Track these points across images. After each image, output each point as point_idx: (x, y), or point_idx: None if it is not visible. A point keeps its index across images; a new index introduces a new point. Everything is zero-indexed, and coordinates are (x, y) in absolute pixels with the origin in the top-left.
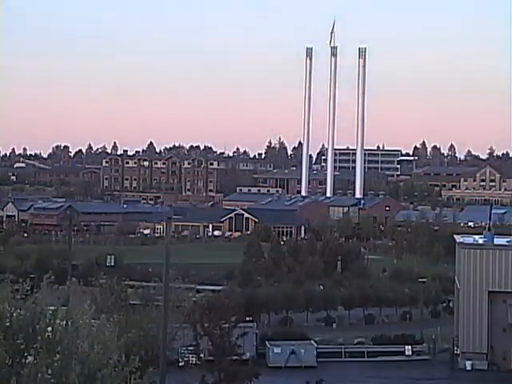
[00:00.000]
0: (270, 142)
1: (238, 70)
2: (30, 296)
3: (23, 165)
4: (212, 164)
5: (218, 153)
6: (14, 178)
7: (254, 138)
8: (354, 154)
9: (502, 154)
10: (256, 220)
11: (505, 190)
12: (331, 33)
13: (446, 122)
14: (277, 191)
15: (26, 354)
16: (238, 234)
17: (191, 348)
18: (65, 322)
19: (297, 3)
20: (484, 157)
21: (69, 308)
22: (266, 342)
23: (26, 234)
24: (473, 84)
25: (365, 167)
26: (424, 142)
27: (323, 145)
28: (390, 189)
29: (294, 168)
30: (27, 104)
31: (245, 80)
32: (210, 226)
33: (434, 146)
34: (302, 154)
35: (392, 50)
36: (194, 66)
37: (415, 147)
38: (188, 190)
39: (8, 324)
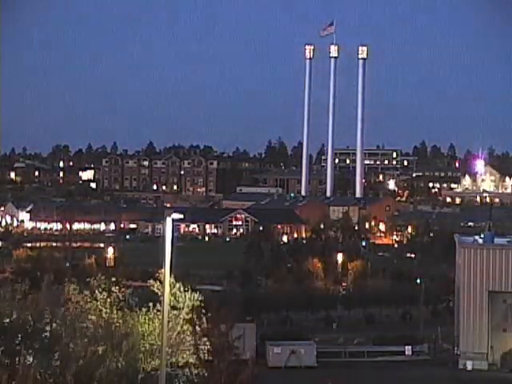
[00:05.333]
0: (270, 142)
1: (238, 69)
2: (30, 296)
3: (23, 165)
4: (212, 164)
5: (218, 153)
6: (14, 177)
7: (254, 138)
8: (354, 153)
9: (502, 154)
10: (256, 220)
11: (505, 189)
12: (332, 32)
13: (446, 122)
14: (277, 191)
15: (24, 354)
16: (237, 233)
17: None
18: (63, 323)
19: (297, 3)
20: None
21: (68, 308)
22: (266, 342)
23: (25, 234)
24: (472, 83)
25: (365, 167)
26: (424, 141)
27: (323, 145)
28: (390, 189)
29: (294, 168)
30: (27, 104)
31: (245, 79)
32: (210, 226)
33: (434, 146)
34: (302, 154)
35: (392, 50)
36: (193, 66)
37: (415, 147)
38: (188, 190)
39: (7, 324)
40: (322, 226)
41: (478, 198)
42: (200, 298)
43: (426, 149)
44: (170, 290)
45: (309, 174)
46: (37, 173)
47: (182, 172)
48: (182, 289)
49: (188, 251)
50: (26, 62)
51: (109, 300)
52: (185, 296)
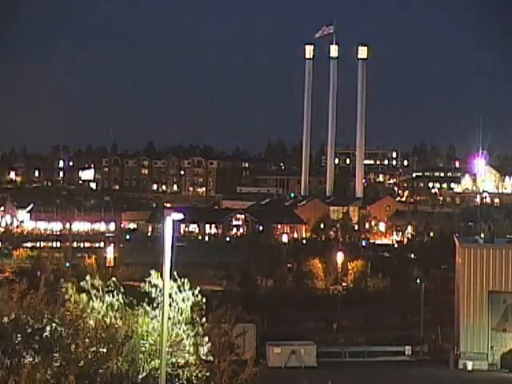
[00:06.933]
0: (270, 142)
1: (238, 69)
2: (29, 296)
3: (23, 165)
4: (212, 164)
5: (218, 153)
6: (14, 177)
7: (254, 138)
8: (354, 154)
9: (502, 154)
10: (256, 220)
11: (505, 189)
12: (331, 32)
13: (446, 122)
14: (277, 191)
15: (24, 354)
16: (237, 233)
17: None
18: (63, 323)
19: (297, 3)
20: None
21: (68, 308)
22: (266, 342)
23: (25, 234)
24: (472, 83)
25: (365, 167)
26: (424, 141)
27: (323, 145)
28: (390, 189)
29: (294, 168)
30: (27, 103)
31: (245, 79)
32: (210, 226)
33: (434, 146)
34: (302, 154)
35: (392, 50)
36: (193, 66)
37: (415, 147)
38: (188, 190)
39: (6, 324)
40: (321, 226)
41: (478, 198)
42: (202, 297)
43: (425, 149)
44: (172, 289)
45: (309, 174)
46: (37, 173)
47: (182, 172)
48: (183, 287)
49: (188, 251)
50: (25, 61)
51: (109, 300)
52: (186, 296)
